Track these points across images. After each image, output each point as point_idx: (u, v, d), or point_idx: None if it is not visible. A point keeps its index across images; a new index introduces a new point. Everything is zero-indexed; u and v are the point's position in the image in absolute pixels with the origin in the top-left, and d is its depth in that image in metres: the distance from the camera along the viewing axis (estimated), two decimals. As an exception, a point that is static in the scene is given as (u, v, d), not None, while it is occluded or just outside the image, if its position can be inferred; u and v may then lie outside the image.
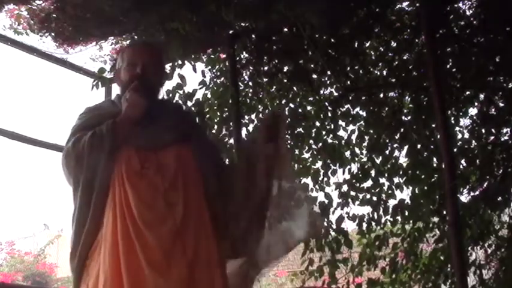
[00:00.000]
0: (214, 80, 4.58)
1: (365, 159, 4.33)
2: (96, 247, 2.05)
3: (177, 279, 1.95)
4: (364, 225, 4.17)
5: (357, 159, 4.34)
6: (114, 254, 1.97)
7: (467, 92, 4.24)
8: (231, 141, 4.25)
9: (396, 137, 4.27)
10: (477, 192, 4.04)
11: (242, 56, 4.47)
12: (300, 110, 4.49)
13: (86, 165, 2.09)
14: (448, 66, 4.18)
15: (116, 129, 2.12)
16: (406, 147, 4.23)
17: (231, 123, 4.28)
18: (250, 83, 4.54)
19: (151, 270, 1.93)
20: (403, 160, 4.29)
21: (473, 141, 4.14)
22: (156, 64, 2.29)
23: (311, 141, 4.43)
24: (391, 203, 4.20)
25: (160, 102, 2.34)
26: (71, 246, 2.11)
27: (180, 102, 4.04)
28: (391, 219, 4.18)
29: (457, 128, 4.18)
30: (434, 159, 4.12)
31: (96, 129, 2.13)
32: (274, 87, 4.55)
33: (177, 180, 2.09)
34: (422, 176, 4.11)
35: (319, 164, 4.38)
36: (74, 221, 2.12)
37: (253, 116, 4.52)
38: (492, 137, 4.10)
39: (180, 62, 4.29)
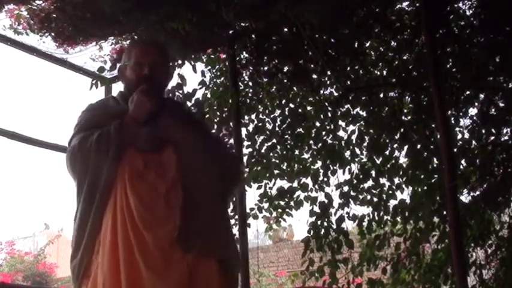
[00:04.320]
0: (214, 80, 4.58)
1: (365, 159, 4.33)
2: (97, 249, 2.03)
3: (175, 283, 1.93)
4: (365, 225, 4.18)
5: (357, 159, 4.33)
6: (113, 255, 1.96)
7: (467, 92, 4.23)
8: (231, 141, 4.25)
9: (396, 137, 4.26)
10: (477, 192, 4.04)
11: (242, 56, 4.47)
12: (300, 110, 4.49)
13: (91, 166, 2.08)
14: (448, 66, 4.17)
15: (122, 130, 2.10)
16: (406, 147, 4.23)
17: (231, 123, 4.28)
18: (250, 83, 4.54)
19: (149, 272, 1.91)
20: (403, 160, 4.29)
21: (473, 141, 4.14)
22: (163, 64, 2.26)
23: (311, 141, 4.43)
24: (392, 203, 4.20)
25: (164, 101, 2.30)
26: (73, 246, 2.09)
27: (179, 100, 4.02)
28: (392, 220, 4.18)
29: (457, 128, 4.17)
30: (435, 159, 4.12)
31: (104, 130, 2.10)
32: (274, 87, 4.55)
33: (178, 182, 2.06)
34: (422, 176, 4.10)
35: (319, 164, 4.38)
36: (76, 221, 2.10)
37: (253, 116, 4.53)
38: (492, 137, 4.09)
39: (180, 62, 4.29)
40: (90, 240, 2.04)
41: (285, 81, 4.48)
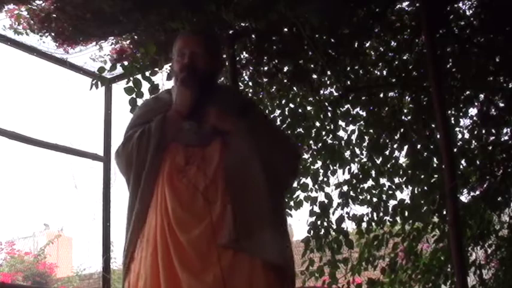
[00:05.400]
0: (214, 80, 4.57)
1: (365, 159, 4.33)
2: (140, 245, 2.04)
3: (212, 284, 1.89)
4: (364, 225, 4.18)
5: (357, 159, 4.33)
6: (154, 254, 1.96)
7: (467, 92, 4.24)
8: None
9: (396, 137, 4.27)
10: (477, 192, 4.04)
11: (242, 56, 4.47)
12: (300, 110, 4.49)
13: (135, 163, 2.09)
14: (448, 66, 4.18)
15: (164, 125, 2.09)
16: (406, 147, 4.23)
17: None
18: (250, 83, 4.54)
19: (185, 272, 1.90)
20: (403, 160, 4.29)
21: (473, 141, 4.14)
22: (206, 53, 2.19)
23: (311, 141, 4.42)
24: (392, 203, 4.20)
25: (213, 91, 2.21)
26: (124, 241, 2.12)
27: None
28: (391, 220, 4.18)
29: (457, 128, 4.18)
30: (435, 159, 4.12)
31: (146, 127, 2.11)
32: (274, 87, 4.55)
33: (218, 176, 2.01)
34: (422, 176, 4.11)
35: (319, 164, 4.38)
36: (126, 218, 2.14)
37: (253, 116, 4.51)
38: (492, 137, 4.10)
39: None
40: (133, 236, 2.06)
41: (285, 81, 4.48)
